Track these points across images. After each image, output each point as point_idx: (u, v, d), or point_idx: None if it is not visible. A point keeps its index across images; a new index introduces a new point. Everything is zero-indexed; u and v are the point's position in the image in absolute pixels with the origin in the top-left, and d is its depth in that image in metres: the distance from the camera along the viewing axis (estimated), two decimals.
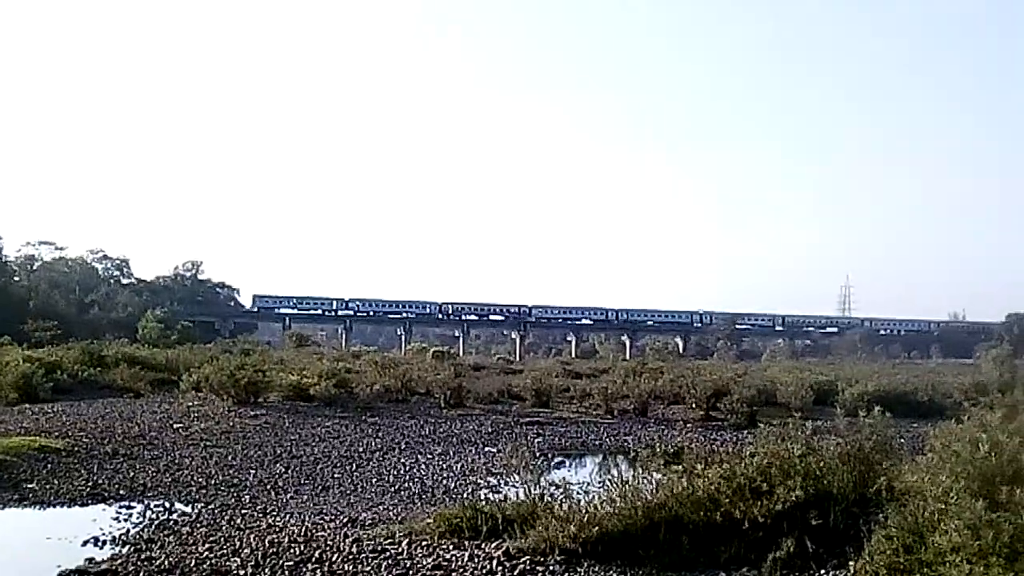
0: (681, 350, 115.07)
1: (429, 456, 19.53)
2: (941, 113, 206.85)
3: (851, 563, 8.10)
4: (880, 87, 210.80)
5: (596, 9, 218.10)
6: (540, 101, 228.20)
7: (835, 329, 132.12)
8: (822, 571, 8.32)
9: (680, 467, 9.80)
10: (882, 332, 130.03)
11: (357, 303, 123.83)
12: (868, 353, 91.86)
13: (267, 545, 10.15)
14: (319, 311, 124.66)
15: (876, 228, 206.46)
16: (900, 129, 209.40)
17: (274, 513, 12.65)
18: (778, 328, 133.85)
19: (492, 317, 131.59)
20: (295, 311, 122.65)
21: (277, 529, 11.24)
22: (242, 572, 9.16)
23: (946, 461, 8.30)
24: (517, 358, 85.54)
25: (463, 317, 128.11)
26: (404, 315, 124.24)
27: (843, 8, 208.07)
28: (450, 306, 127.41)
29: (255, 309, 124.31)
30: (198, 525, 11.72)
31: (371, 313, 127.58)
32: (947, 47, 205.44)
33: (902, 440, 18.63)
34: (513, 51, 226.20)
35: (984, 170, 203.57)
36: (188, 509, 13.08)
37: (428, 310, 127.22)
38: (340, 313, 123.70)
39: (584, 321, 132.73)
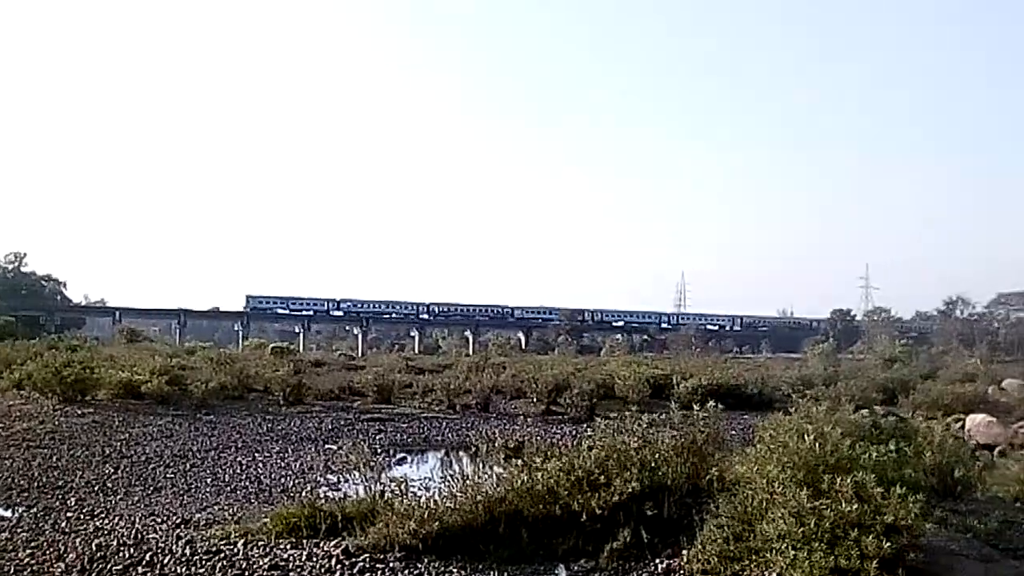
0: (523, 345, 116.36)
1: (267, 454, 19.13)
2: (772, 115, 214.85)
3: (684, 552, 8.34)
4: (714, 93, 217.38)
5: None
6: (399, 85, 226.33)
7: (671, 324, 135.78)
8: (657, 560, 8.53)
9: (520, 461, 9.86)
10: (715, 328, 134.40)
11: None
12: (702, 348, 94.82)
13: (94, 549, 9.74)
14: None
15: (711, 228, 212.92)
16: (734, 131, 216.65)
17: (102, 516, 12.13)
18: (617, 324, 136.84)
19: (334, 313, 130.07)
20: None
21: (105, 532, 10.80)
22: None
23: (774, 452, 8.61)
24: (359, 354, 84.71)
25: (303, 312, 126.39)
26: (242, 310, 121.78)
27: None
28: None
29: (249, 309, 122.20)
30: (19, 530, 11.10)
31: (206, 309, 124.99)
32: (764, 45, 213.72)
33: (733, 432, 19.42)
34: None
35: (811, 172, 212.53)
36: (8, 514, 12.40)
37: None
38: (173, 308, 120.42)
39: (428, 317, 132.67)
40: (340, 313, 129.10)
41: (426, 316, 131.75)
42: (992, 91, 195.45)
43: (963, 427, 22.08)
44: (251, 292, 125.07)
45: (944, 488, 10.83)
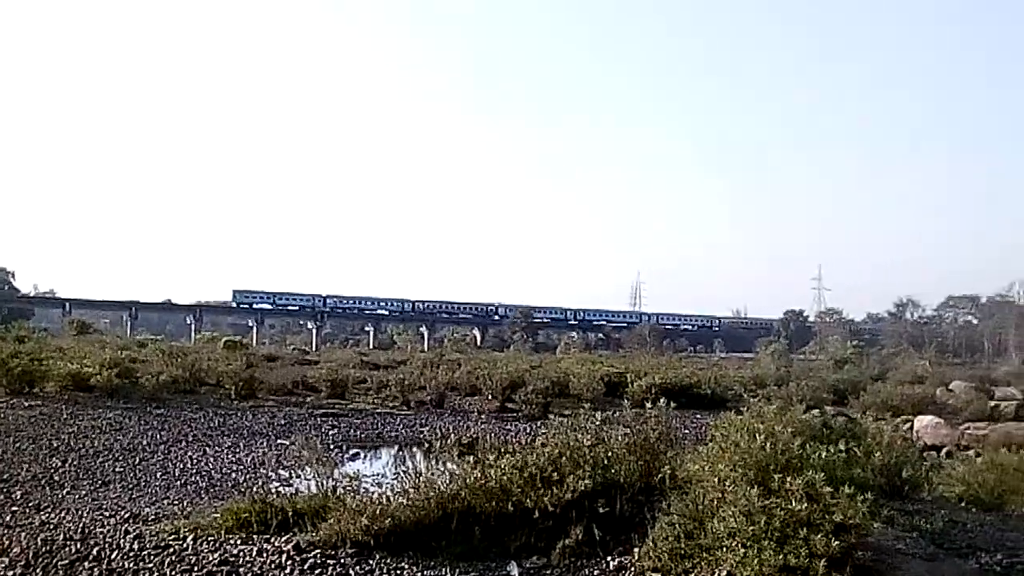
0: (479, 342, 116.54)
1: (218, 449, 18.95)
2: (722, 120, 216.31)
3: (636, 549, 8.37)
4: (664, 95, 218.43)
5: None
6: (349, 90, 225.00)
7: (626, 323, 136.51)
8: (608, 558, 8.55)
9: (473, 458, 9.85)
10: (669, 327, 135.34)
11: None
12: (656, 346, 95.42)
13: (39, 544, 9.55)
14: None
15: (666, 227, 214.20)
16: (692, 134, 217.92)
17: (48, 510, 11.92)
18: (572, 321, 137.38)
19: (288, 307, 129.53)
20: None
21: (51, 526, 10.61)
22: (11, 573, 8.59)
23: (725, 451, 8.66)
24: (313, 349, 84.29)
25: (255, 306, 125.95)
26: (195, 303, 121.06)
27: None
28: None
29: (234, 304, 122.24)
30: None
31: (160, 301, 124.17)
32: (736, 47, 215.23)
33: (686, 430, 19.58)
34: None
35: (764, 173, 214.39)
36: None
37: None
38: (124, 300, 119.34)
39: (382, 311, 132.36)
40: (296, 307, 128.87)
41: (382, 311, 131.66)
42: (944, 96, 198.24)
43: (911, 428, 22.37)
44: (238, 287, 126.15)
45: (892, 488, 10.97)
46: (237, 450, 18.95)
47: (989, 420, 24.25)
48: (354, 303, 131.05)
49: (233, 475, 15.99)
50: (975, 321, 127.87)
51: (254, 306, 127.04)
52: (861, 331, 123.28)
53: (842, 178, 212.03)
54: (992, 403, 28.24)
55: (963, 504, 11.38)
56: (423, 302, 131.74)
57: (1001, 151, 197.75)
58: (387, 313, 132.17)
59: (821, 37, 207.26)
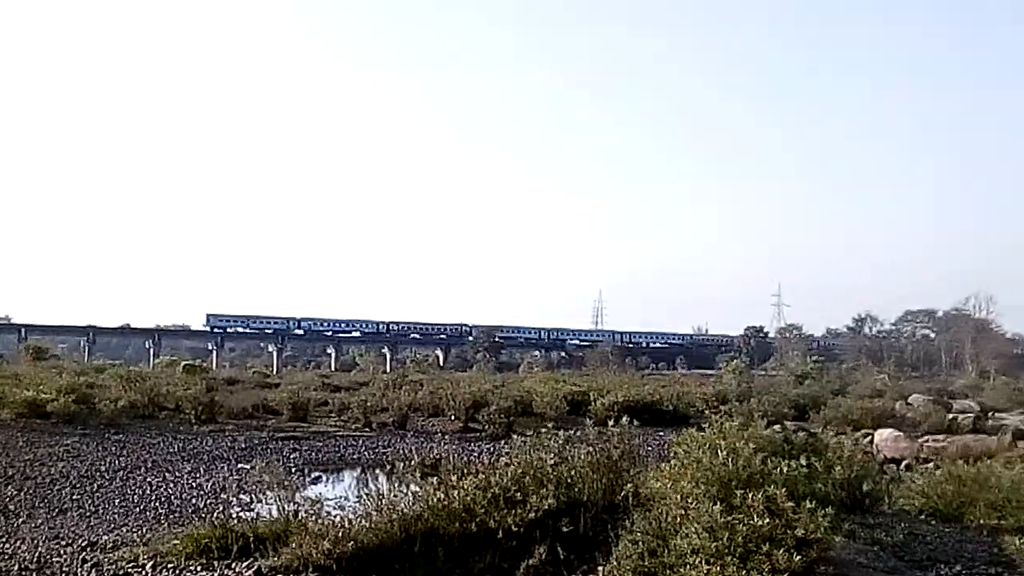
0: (442, 362, 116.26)
1: (178, 474, 18.77)
2: (684, 135, 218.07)
3: (600, 568, 8.35)
4: (622, 111, 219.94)
5: None
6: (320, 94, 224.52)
7: (589, 341, 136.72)
8: None
9: (437, 479, 9.81)
10: (632, 344, 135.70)
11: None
12: (619, 364, 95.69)
13: None
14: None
15: (628, 245, 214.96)
16: (644, 154, 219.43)
17: (3, 539, 11.74)
18: (535, 340, 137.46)
19: (264, 330, 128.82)
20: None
21: (6, 556, 10.46)
22: None
23: (688, 467, 8.71)
24: (274, 371, 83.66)
25: (228, 329, 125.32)
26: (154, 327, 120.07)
27: None
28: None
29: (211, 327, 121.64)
30: None
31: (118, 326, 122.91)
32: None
33: (649, 448, 19.62)
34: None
35: (725, 191, 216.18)
36: None
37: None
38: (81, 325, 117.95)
39: (355, 333, 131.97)
40: (271, 331, 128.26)
41: (343, 333, 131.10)
42: (900, 110, 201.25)
43: (871, 442, 22.61)
44: (212, 311, 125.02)
45: (853, 502, 11.06)
46: (197, 475, 18.76)
47: (947, 432, 24.60)
48: (329, 325, 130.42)
49: (193, 500, 15.83)
50: (932, 335, 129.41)
51: (228, 330, 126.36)
52: (821, 347, 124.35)
53: (801, 195, 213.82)
54: (950, 416, 28.65)
55: (923, 516, 11.49)
56: (396, 323, 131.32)
57: (953, 166, 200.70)
58: (360, 335, 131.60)
59: (783, 56, 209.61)
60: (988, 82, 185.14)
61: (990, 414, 31.13)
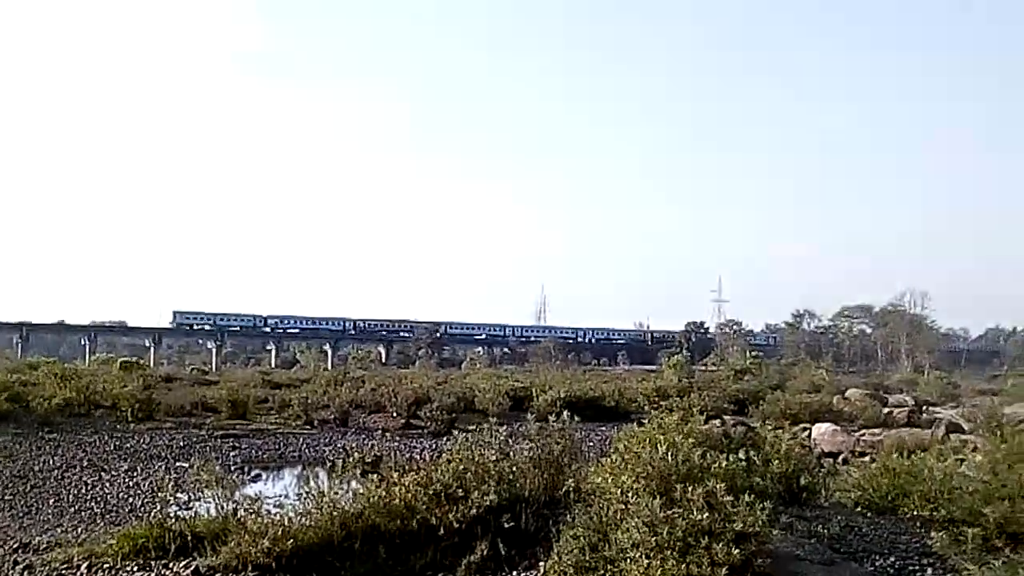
0: (384, 359, 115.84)
1: (114, 473, 18.45)
2: (623, 128, 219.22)
3: (541, 563, 8.37)
4: (562, 103, 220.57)
5: None
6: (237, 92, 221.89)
7: (532, 337, 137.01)
8: (514, 573, 8.54)
9: (378, 476, 9.76)
10: (574, 340, 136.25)
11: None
12: (561, 360, 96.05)
13: None
14: None
15: (570, 241, 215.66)
16: (588, 150, 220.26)
17: None
18: (478, 337, 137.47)
19: (230, 328, 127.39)
20: None
21: None
22: None
23: (628, 462, 8.73)
24: (213, 368, 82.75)
25: (196, 327, 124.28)
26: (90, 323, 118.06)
27: None
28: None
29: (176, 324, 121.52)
30: None
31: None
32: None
33: (591, 443, 19.74)
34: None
35: (669, 184, 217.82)
36: None
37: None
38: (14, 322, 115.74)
39: (326, 330, 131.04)
40: (237, 328, 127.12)
41: (280, 330, 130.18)
42: (841, 106, 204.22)
43: (809, 436, 22.91)
44: (178, 308, 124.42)
45: (791, 495, 11.18)
46: (134, 474, 18.46)
47: (883, 426, 25.05)
48: (303, 323, 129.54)
49: (130, 500, 15.60)
50: (869, 330, 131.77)
51: (195, 327, 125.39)
52: (760, 342, 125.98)
53: (742, 193, 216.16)
54: (886, 410, 29.21)
55: (859, 509, 11.65)
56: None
57: (889, 164, 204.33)
58: (331, 332, 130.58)
59: (720, 55, 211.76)
60: (921, 81, 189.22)
61: (924, 408, 31.82)
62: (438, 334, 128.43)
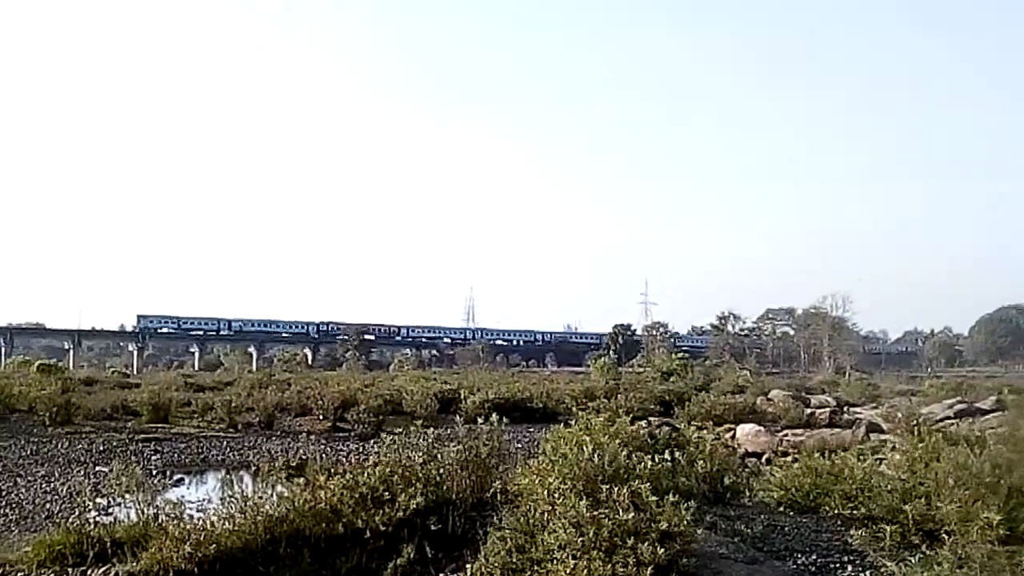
0: (310, 361, 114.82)
1: (30, 479, 18.02)
2: (559, 132, 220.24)
3: (468, 566, 8.34)
4: (509, 107, 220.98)
5: None
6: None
7: (460, 339, 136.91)
8: (440, 575, 8.51)
9: (303, 479, 9.65)
10: (503, 342, 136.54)
11: None
12: (490, 362, 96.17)
13: None
14: None
15: (500, 242, 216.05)
16: (514, 153, 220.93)
17: None
18: (407, 338, 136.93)
19: (191, 332, 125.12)
20: None
21: None
22: None
23: (555, 463, 8.76)
24: (134, 371, 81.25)
25: (159, 331, 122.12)
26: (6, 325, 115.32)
27: None
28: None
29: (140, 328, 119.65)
30: None
31: None
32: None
33: (518, 445, 19.73)
34: None
35: (596, 188, 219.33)
36: None
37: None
38: None
39: (285, 334, 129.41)
40: (200, 332, 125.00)
41: (285, 333, 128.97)
42: (769, 120, 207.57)
43: (733, 436, 23.20)
44: (142, 311, 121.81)
45: (715, 495, 11.29)
46: (52, 479, 18.05)
47: (806, 427, 25.46)
48: (261, 325, 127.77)
49: (47, 506, 15.25)
50: (792, 332, 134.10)
51: (158, 331, 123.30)
52: (686, 344, 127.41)
53: (671, 196, 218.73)
54: (808, 411, 29.68)
55: (781, 508, 11.79)
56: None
57: (812, 167, 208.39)
58: (213, 333, 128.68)
59: (667, 56, 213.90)
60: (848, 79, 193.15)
61: (846, 408, 32.39)
62: (366, 336, 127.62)
